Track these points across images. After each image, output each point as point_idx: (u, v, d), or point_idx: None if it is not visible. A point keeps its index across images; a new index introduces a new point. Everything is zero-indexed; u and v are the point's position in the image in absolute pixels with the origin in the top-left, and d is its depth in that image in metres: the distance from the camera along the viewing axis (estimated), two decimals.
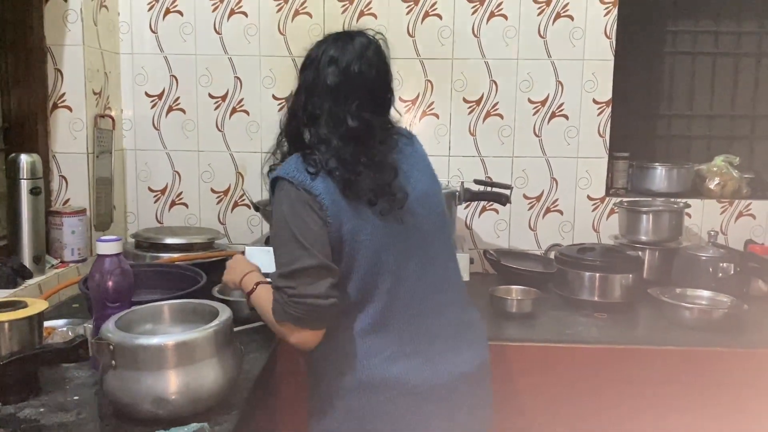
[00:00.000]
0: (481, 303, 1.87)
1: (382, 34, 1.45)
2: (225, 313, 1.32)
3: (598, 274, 1.93)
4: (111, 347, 1.17)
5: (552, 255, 2.34)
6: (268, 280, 1.46)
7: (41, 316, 1.32)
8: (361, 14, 2.30)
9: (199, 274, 1.85)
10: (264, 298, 1.39)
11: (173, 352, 1.18)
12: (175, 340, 1.20)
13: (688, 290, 1.91)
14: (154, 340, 1.19)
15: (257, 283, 1.44)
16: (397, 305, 1.36)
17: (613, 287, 1.93)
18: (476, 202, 2.35)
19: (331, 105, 1.36)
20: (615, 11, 2.28)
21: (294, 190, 1.31)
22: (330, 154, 1.33)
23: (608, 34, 2.29)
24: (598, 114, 2.33)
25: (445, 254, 1.47)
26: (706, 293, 1.89)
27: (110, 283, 1.41)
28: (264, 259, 2.04)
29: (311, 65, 1.40)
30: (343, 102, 1.36)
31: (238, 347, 1.33)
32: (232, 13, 2.31)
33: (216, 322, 1.27)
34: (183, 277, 1.88)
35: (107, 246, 1.41)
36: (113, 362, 1.17)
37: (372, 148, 1.36)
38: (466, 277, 1.71)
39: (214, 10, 2.31)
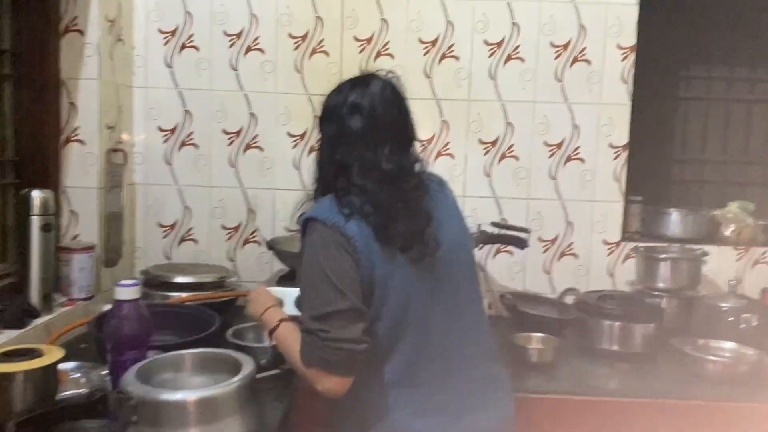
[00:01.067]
0: (500, 350, 1.82)
1: (393, 72, 1.44)
2: (248, 366, 1.28)
3: (618, 323, 1.89)
4: (133, 403, 1.12)
5: (567, 299, 2.32)
6: (288, 316, 1.43)
7: (57, 366, 1.27)
8: (379, 54, 2.30)
9: (212, 317, 1.80)
10: (289, 338, 1.35)
11: (196, 409, 1.14)
12: (198, 396, 1.16)
13: (711, 341, 1.88)
14: (178, 396, 1.15)
15: (281, 320, 1.41)
16: (424, 357, 1.33)
17: (634, 337, 1.89)
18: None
19: (362, 151, 1.34)
20: (632, 56, 2.28)
21: (328, 232, 1.29)
22: (365, 199, 1.30)
23: (625, 78, 2.29)
24: (615, 158, 2.32)
25: (473, 305, 1.44)
26: (729, 345, 1.86)
27: (128, 330, 1.37)
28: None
29: (332, 116, 1.39)
30: (373, 147, 1.35)
31: (260, 401, 1.29)
32: (249, 49, 2.30)
33: (240, 376, 1.23)
34: (196, 319, 1.83)
35: (126, 291, 1.38)
36: (134, 418, 1.12)
37: (407, 192, 1.35)
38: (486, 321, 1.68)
39: (231, 46, 2.30)
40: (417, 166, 1.42)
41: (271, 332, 1.41)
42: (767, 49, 2.53)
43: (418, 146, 1.46)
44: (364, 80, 1.41)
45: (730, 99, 2.58)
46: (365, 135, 1.35)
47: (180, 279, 2.07)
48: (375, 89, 1.38)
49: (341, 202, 1.31)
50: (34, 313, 1.80)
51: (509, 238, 2.10)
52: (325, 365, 1.24)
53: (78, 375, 1.48)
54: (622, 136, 2.31)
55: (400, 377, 1.32)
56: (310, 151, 2.32)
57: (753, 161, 2.59)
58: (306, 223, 1.33)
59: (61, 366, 1.57)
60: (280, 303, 1.51)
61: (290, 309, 1.97)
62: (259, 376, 1.53)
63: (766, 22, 2.49)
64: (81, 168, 2.06)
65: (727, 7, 2.44)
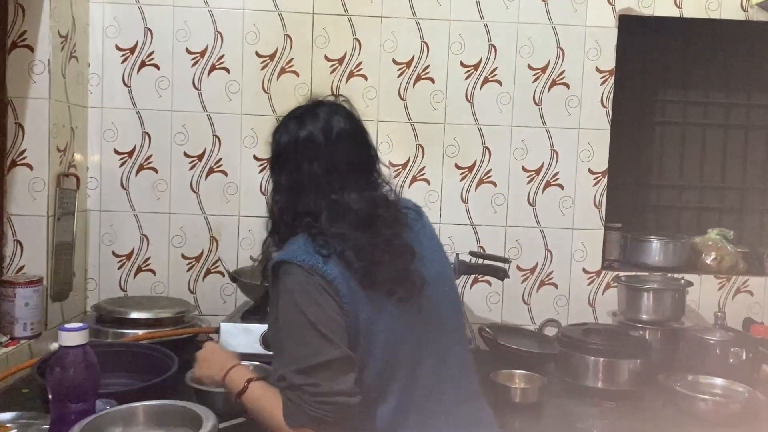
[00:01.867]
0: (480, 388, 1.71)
1: (342, 95, 1.34)
2: (209, 420, 1.14)
3: (603, 359, 1.80)
4: None
5: (548, 331, 2.23)
6: (260, 375, 1.29)
7: None
8: (351, 75, 2.19)
9: (170, 358, 1.66)
10: (265, 398, 1.20)
11: None
12: None
13: (700, 377, 1.80)
14: None
15: (249, 380, 1.24)
16: (413, 403, 1.22)
17: (620, 373, 1.80)
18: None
19: (328, 197, 1.22)
20: (612, 80, 2.22)
21: (305, 274, 1.16)
22: (344, 245, 1.18)
23: (604, 103, 2.23)
24: (594, 184, 2.25)
25: (459, 343, 1.34)
26: (719, 381, 1.78)
27: (73, 380, 1.22)
28: (241, 338, 1.88)
29: (286, 160, 1.26)
30: (339, 189, 1.23)
31: None
32: (213, 68, 2.18)
33: None
34: (151, 360, 1.69)
35: (71, 336, 1.22)
36: None
37: (386, 227, 1.23)
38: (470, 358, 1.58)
39: (194, 65, 2.17)
40: (390, 195, 1.32)
41: (239, 395, 1.24)
42: (742, 75, 2.51)
43: (383, 169, 1.34)
44: (310, 111, 1.28)
45: (706, 124, 2.54)
46: (328, 177, 1.23)
47: (135, 314, 1.91)
48: (325, 119, 1.26)
49: (316, 241, 1.19)
50: None
51: (488, 268, 2.00)
52: (317, 425, 1.10)
53: (15, 431, 1.32)
54: (602, 162, 2.24)
55: (388, 425, 1.19)
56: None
57: (730, 186, 2.55)
58: (278, 266, 1.19)
59: None
60: (238, 359, 1.35)
61: (255, 347, 1.85)
62: (222, 425, 1.39)
63: (742, 47, 2.47)
64: (28, 194, 1.90)
65: (703, 32, 2.41)
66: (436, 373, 1.24)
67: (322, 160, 1.23)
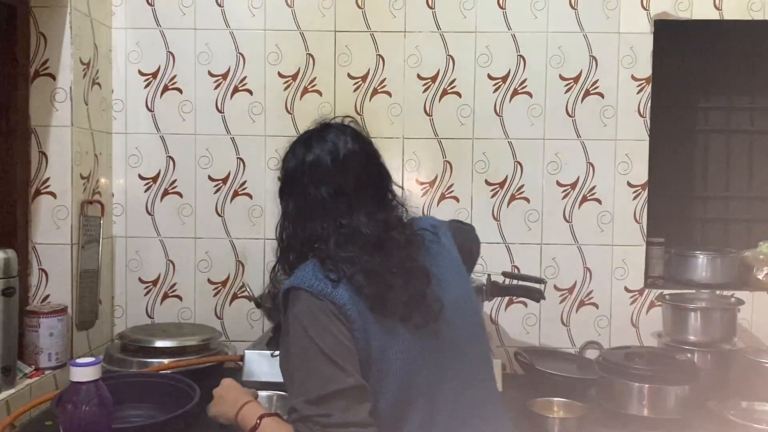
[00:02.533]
0: (516, 417, 1.61)
1: (350, 117, 1.30)
2: None
3: (649, 385, 1.68)
4: None
5: (588, 354, 2.11)
6: (275, 411, 1.23)
7: None
8: (375, 92, 2.14)
9: (191, 388, 1.60)
10: None
11: None
12: None
13: (755, 404, 1.67)
14: None
15: (261, 417, 1.18)
16: None
17: (667, 400, 1.67)
18: None
19: (336, 221, 1.18)
20: (649, 88, 2.11)
21: (315, 301, 1.12)
22: (354, 269, 1.13)
23: (642, 112, 2.12)
24: (634, 198, 2.13)
25: (483, 371, 1.26)
26: None
27: (86, 416, 1.18)
28: (266, 366, 1.82)
29: (293, 186, 1.24)
30: (348, 213, 1.18)
31: None
32: (235, 90, 2.15)
33: None
34: (174, 391, 1.64)
35: (83, 371, 1.19)
36: None
37: (397, 249, 1.18)
38: (498, 386, 1.49)
39: (216, 88, 2.15)
40: (404, 217, 1.26)
41: (253, 431, 1.18)
42: None
43: (397, 191, 1.30)
44: (318, 134, 1.25)
45: (753, 131, 2.40)
46: (335, 201, 1.19)
47: (159, 343, 1.88)
48: (333, 142, 1.22)
49: (325, 266, 1.14)
50: None
51: (523, 289, 1.90)
52: None
53: None
54: (641, 174, 2.13)
55: None
56: None
57: None
58: (287, 293, 1.16)
59: None
60: (254, 396, 1.31)
61: (280, 376, 1.79)
62: None
63: None
64: (51, 223, 1.89)
65: (745, 34, 2.28)
66: (457, 402, 1.17)
67: (330, 184, 1.19)
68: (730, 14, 2.10)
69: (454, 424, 1.17)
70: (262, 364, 1.80)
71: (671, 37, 2.22)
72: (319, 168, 1.20)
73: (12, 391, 1.64)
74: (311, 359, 1.09)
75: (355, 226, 1.17)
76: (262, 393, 1.61)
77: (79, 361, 1.19)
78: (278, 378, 1.74)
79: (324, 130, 1.26)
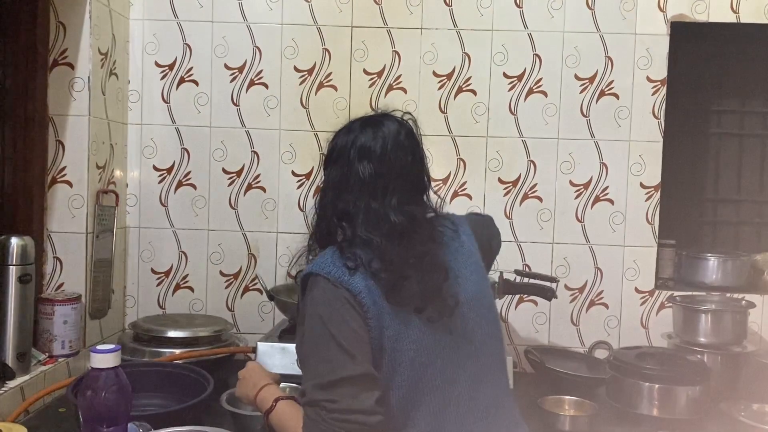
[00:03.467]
0: (526, 414, 1.61)
1: (410, 114, 1.31)
2: None
3: (660, 386, 1.69)
4: None
5: (598, 354, 2.12)
6: (291, 394, 1.24)
7: None
8: (390, 88, 2.14)
9: (205, 379, 1.62)
10: (289, 416, 1.18)
11: None
12: None
13: (767, 407, 1.67)
14: None
15: (277, 399, 1.22)
16: (444, 430, 1.15)
17: (678, 400, 1.68)
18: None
19: (368, 201, 1.19)
20: (663, 90, 2.12)
21: (331, 288, 1.14)
22: (373, 254, 1.15)
23: (656, 114, 2.12)
24: (646, 199, 2.14)
25: (497, 368, 1.27)
26: None
27: (105, 403, 1.18)
28: (278, 358, 1.83)
29: (339, 158, 1.25)
30: (381, 197, 1.20)
31: None
32: (251, 84, 2.15)
33: None
34: (187, 381, 1.66)
35: (103, 358, 1.19)
36: None
37: (419, 244, 1.19)
38: (509, 384, 1.50)
39: (232, 81, 2.15)
40: (430, 215, 1.28)
41: (267, 414, 1.21)
42: None
43: (432, 195, 1.33)
44: (376, 120, 1.27)
45: (765, 135, 2.40)
46: (373, 182, 1.21)
47: (172, 333, 1.88)
48: (388, 131, 1.24)
49: (344, 254, 1.16)
50: (8, 374, 1.62)
51: (535, 288, 1.91)
52: None
53: None
54: (654, 176, 2.13)
55: None
56: (316, 192, 2.15)
57: None
58: (306, 279, 1.18)
59: None
60: (276, 380, 1.34)
61: (293, 368, 1.80)
62: None
63: None
64: (67, 211, 1.90)
65: (761, 38, 2.28)
66: (470, 399, 1.18)
67: (374, 167, 1.21)
68: (746, 18, 2.10)
69: (468, 419, 1.18)
70: (274, 356, 1.82)
71: (687, 39, 2.23)
72: (367, 149, 1.22)
73: (26, 377, 1.65)
74: (323, 345, 1.11)
75: (385, 211, 1.18)
76: None
77: (100, 347, 1.19)
78: (290, 370, 1.78)
79: (384, 117, 1.28)
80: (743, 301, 1.98)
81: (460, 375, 1.18)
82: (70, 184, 1.89)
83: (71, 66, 1.88)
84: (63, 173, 1.89)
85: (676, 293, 2.08)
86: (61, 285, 1.91)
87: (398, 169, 1.23)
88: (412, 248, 1.18)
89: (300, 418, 1.12)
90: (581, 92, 2.13)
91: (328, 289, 1.14)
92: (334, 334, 1.10)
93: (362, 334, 1.12)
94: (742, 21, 2.10)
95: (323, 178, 1.30)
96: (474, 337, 1.22)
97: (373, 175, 1.21)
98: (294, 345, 1.79)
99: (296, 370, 1.75)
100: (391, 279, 1.14)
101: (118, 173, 2.10)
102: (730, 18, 2.10)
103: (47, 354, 1.79)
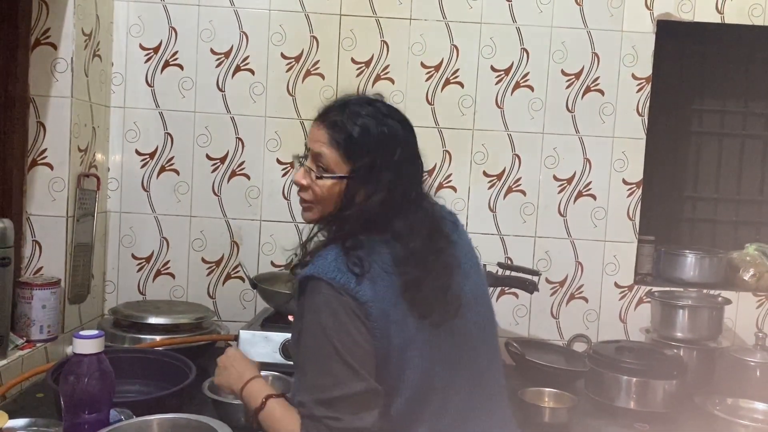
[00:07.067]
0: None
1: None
2: None
3: (637, 379, 1.72)
4: None
5: (575, 346, 2.15)
6: (278, 390, 1.22)
7: None
8: (378, 78, 2.14)
9: (187, 366, 1.61)
10: (283, 421, 1.11)
11: None
12: None
13: (740, 401, 1.71)
14: None
15: (267, 397, 1.16)
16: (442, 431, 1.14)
17: (655, 394, 1.71)
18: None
19: (417, 191, 1.19)
20: (648, 88, 2.14)
21: (335, 296, 1.07)
22: (395, 251, 1.12)
23: (640, 111, 2.15)
24: (628, 195, 2.16)
25: (493, 368, 1.25)
26: (760, 406, 1.69)
27: (87, 389, 1.17)
28: (260, 346, 1.82)
29: (391, 139, 1.16)
30: (420, 187, 1.21)
31: None
32: (237, 69, 2.13)
33: None
34: (168, 367, 1.64)
35: (86, 344, 1.18)
36: None
37: (436, 240, 1.18)
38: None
39: (218, 66, 2.13)
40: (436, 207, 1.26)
41: (257, 412, 1.16)
42: None
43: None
44: (388, 106, 1.22)
45: (745, 135, 2.45)
46: (417, 173, 1.21)
47: (153, 319, 1.87)
48: (401, 117, 1.22)
49: (350, 257, 1.10)
50: None
51: (517, 280, 1.92)
52: None
53: None
54: (637, 172, 2.16)
55: None
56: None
57: None
58: (305, 281, 1.11)
59: (11, 423, 1.38)
60: (258, 369, 1.28)
61: (275, 356, 1.80)
62: None
63: None
64: (47, 194, 1.86)
65: (744, 39, 2.31)
66: (468, 399, 1.17)
67: (405, 155, 1.17)
68: (731, 18, 2.13)
69: (464, 421, 1.16)
70: (257, 344, 1.81)
71: (672, 38, 2.25)
72: (406, 141, 1.19)
73: (4, 362, 1.62)
74: (325, 357, 1.06)
75: (417, 205, 1.17)
76: None
77: (84, 333, 1.18)
78: (272, 359, 1.77)
79: (377, 101, 1.23)
80: (719, 298, 2.02)
81: (459, 376, 1.16)
82: (50, 166, 1.86)
83: (54, 46, 1.85)
84: (44, 155, 1.86)
85: (654, 288, 2.12)
86: (40, 269, 1.88)
87: (414, 159, 1.21)
88: (432, 244, 1.16)
89: (292, 422, 1.08)
90: (567, 87, 2.14)
91: (331, 297, 1.08)
92: (338, 348, 1.05)
93: (367, 348, 1.07)
94: (726, 21, 2.13)
95: (350, 167, 1.16)
96: (472, 336, 1.20)
97: (411, 167, 1.19)
98: (276, 333, 1.82)
99: (278, 359, 1.77)
100: (415, 274, 1.11)
101: (99, 157, 2.07)
102: (715, 18, 2.13)
103: (25, 339, 1.77)
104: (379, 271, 1.10)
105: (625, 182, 2.16)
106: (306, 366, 1.09)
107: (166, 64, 2.13)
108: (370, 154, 1.14)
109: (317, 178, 1.18)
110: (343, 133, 1.16)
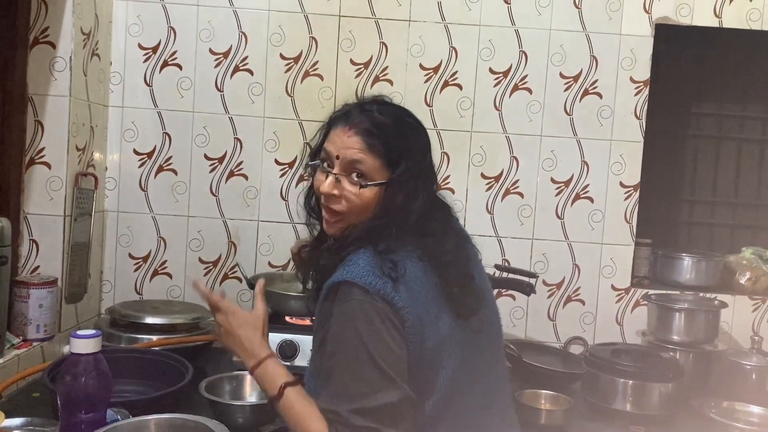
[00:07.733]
0: None
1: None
2: None
3: (633, 382, 1.72)
4: None
5: (572, 349, 2.15)
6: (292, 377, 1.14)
7: None
8: (377, 79, 2.14)
9: (184, 366, 1.61)
10: (306, 417, 1.06)
11: None
12: None
13: (736, 404, 1.71)
14: None
15: (285, 386, 1.10)
16: None
17: (651, 396, 1.71)
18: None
19: (429, 194, 1.20)
20: (646, 91, 2.15)
21: (370, 301, 1.05)
22: (447, 247, 1.15)
23: (638, 114, 2.15)
24: (625, 198, 2.17)
25: (502, 367, 1.26)
26: (756, 409, 1.69)
27: (84, 389, 1.17)
28: None
29: (423, 143, 1.21)
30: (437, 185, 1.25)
31: None
32: (236, 69, 2.13)
33: None
34: (165, 368, 1.64)
35: (84, 343, 1.18)
36: None
37: (459, 234, 1.25)
38: None
39: (216, 66, 2.13)
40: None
41: (275, 399, 1.10)
42: None
43: None
44: (408, 110, 1.25)
45: (742, 139, 2.45)
46: (435, 174, 1.24)
47: (150, 319, 1.87)
48: (420, 121, 1.26)
49: (384, 261, 1.08)
50: None
51: (514, 282, 1.92)
52: None
53: None
54: (634, 175, 2.16)
55: None
56: (299, 181, 2.14)
57: (766, 204, 2.46)
58: (337, 286, 1.08)
59: (7, 423, 1.38)
60: (270, 349, 1.20)
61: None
62: None
63: None
64: (45, 193, 1.86)
65: (741, 43, 2.32)
66: (481, 398, 1.16)
67: (430, 151, 1.22)
68: (729, 23, 2.13)
69: (482, 414, 1.16)
70: None
71: (670, 41, 2.26)
72: (426, 139, 1.23)
73: (0, 361, 1.62)
74: (360, 365, 1.03)
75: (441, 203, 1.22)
76: None
77: (81, 332, 1.18)
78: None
79: (401, 106, 1.25)
80: (716, 301, 2.02)
81: (482, 374, 1.16)
82: (48, 165, 1.86)
83: (52, 45, 1.84)
84: (41, 154, 1.85)
85: (651, 291, 2.12)
86: (37, 268, 1.87)
87: (432, 158, 1.23)
88: (459, 241, 1.19)
89: (315, 418, 1.04)
90: (565, 90, 2.15)
91: (366, 302, 1.05)
92: (374, 355, 1.02)
93: (401, 354, 1.05)
94: (724, 26, 2.14)
95: (394, 175, 1.13)
96: (486, 336, 1.19)
97: (432, 166, 1.22)
98: (272, 334, 1.81)
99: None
100: (451, 276, 1.12)
101: (97, 156, 2.07)
102: (713, 22, 2.14)
103: (21, 338, 1.76)
104: (412, 274, 1.09)
105: (622, 185, 2.17)
106: (337, 373, 1.05)
107: (165, 64, 2.13)
108: (408, 159, 1.14)
109: (361, 187, 1.13)
110: (381, 139, 1.13)
